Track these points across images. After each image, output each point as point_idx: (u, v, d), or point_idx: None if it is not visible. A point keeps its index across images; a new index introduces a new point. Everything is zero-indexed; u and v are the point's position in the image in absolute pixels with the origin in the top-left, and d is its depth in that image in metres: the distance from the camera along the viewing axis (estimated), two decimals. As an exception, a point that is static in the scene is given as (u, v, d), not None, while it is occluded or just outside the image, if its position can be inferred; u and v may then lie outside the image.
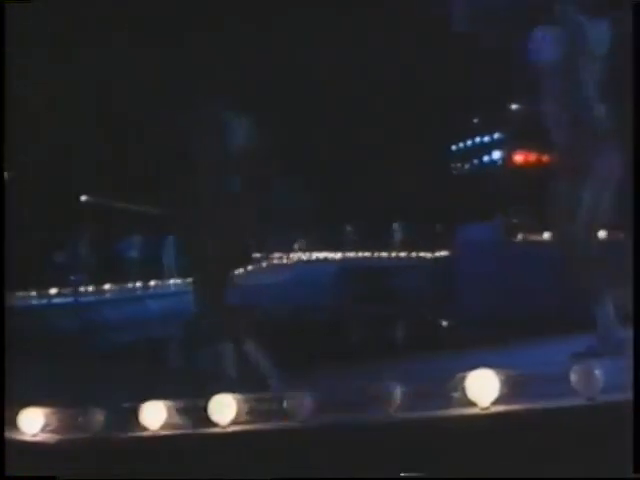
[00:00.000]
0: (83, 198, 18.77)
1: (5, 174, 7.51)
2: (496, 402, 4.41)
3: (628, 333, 4.69)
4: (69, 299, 19.94)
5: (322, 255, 21.48)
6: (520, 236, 15.36)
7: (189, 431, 4.90)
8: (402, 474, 4.34)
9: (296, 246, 17.46)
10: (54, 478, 4.64)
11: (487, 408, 4.40)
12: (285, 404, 4.73)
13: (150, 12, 10.89)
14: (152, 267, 21.72)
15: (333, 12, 10.64)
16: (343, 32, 11.00)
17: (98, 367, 7.32)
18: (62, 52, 13.24)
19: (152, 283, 21.64)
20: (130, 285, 21.61)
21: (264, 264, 17.48)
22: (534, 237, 15.00)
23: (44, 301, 19.55)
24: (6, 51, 5.93)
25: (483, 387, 4.44)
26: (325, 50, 11.23)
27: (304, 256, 19.76)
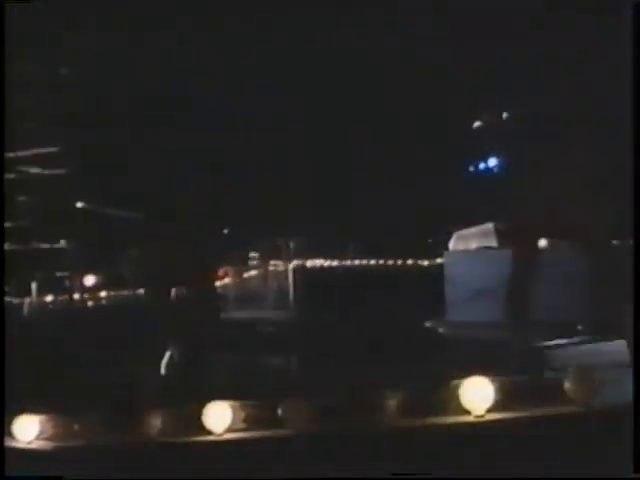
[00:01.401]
0: (79, 205, 18.74)
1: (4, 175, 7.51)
2: (491, 410, 4.42)
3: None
4: (65, 305, 19.88)
5: (318, 262, 21.44)
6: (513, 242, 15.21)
7: (184, 439, 4.90)
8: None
9: (290, 250, 17.34)
10: (60, 478, 4.64)
11: (482, 416, 4.41)
12: (280, 411, 4.73)
13: (150, 12, 10.88)
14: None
15: (333, 12, 10.69)
16: (343, 31, 11.03)
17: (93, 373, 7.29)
18: (62, 52, 13.26)
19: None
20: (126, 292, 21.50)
21: (257, 271, 17.41)
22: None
23: (40, 307, 19.50)
24: (6, 51, 5.96)
25: (478, 394, 4.44)
26: (323, 50, 11.27)
27: (299, 262, 19.72)
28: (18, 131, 11.67)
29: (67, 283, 19.71)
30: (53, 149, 15.89)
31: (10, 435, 5.17)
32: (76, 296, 18.69)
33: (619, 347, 5.03)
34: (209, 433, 4.79)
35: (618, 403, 4.16)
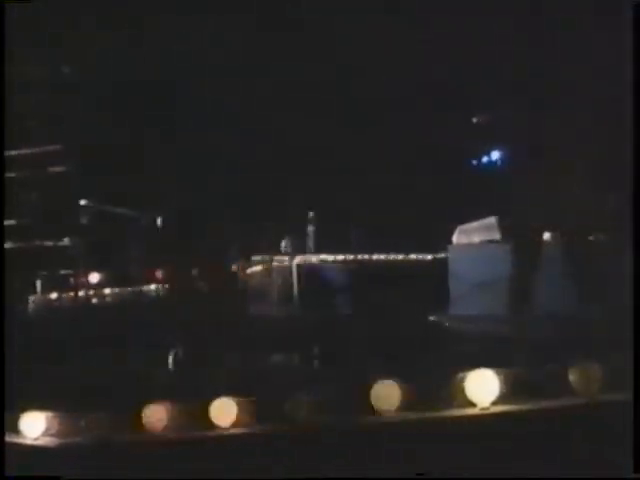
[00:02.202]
0: (82, 202, 18.76)
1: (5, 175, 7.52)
2: (496, 402, 4.42)
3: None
4: (69, 302, 19.86)
5: (320, 257, 21.40)
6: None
7: (190, 433, 4.91)
8: (403, 474, 4.34)
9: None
10: (58, 478, 4.65)
11: (487, 408, 4.42)
12: (286, 407, 4.75)
13: (150, 11, 10.88)
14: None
15: (333, 11, 10.70)
16: (343, 31, 11.02)
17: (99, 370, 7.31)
18: (62, 52, 13.29)
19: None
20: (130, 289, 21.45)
21: (262, 267, 17.40)
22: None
23: (43, 304, 19.48)
24: (6, 51, 5.97)
25: (483, 387, 4.45)
26: (323, 50, 11.27)
27: (301, 258, 19.75)
28: (19, 130, 11.70)
29: (72, 280, 19.74)
30: (56, 148, 15.92)
31: (17, 431, 5.18)
32: (81, 293, 18.72)
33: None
34: (215, 428, 4.81)
35: (618, 399, 4.16)
